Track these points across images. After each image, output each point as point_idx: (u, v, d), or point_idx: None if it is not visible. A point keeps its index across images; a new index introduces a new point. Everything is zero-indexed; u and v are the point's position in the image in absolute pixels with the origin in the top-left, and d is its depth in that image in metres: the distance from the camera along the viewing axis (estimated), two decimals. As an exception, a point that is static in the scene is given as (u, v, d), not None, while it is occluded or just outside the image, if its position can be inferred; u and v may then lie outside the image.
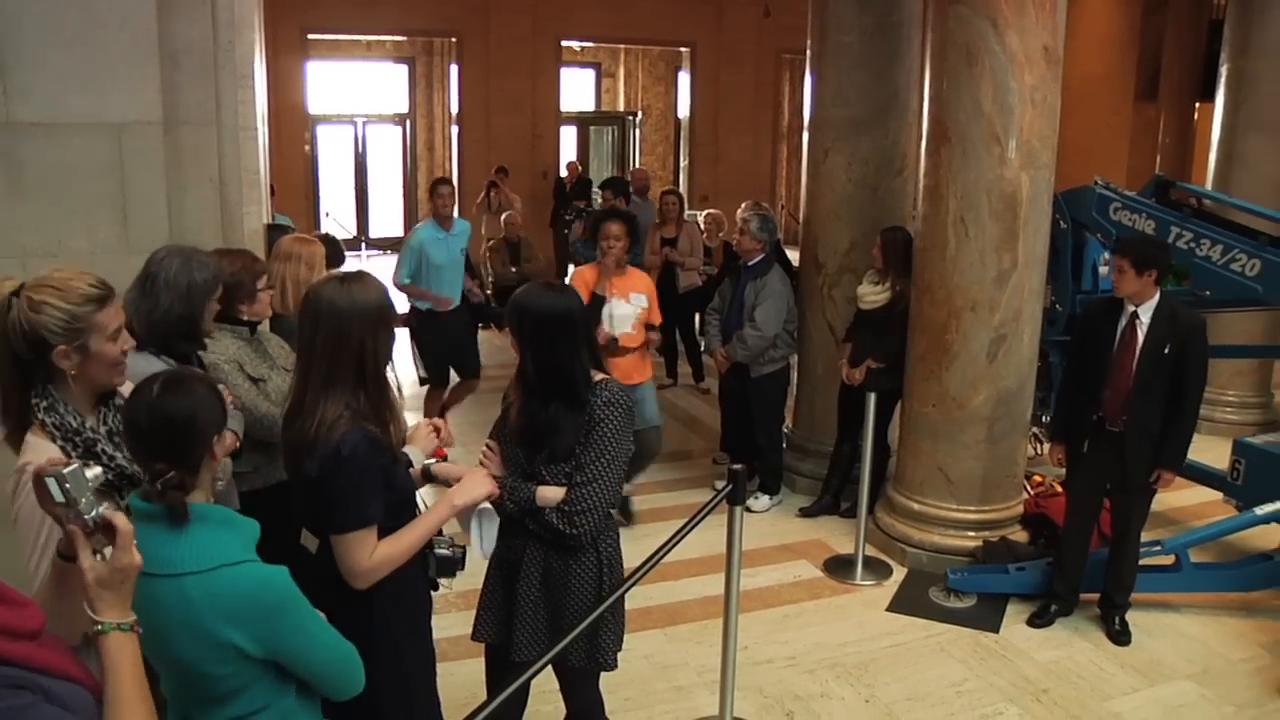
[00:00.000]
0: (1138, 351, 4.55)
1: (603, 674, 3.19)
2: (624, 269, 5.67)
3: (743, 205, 6.37)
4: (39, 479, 1.62)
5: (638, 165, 18.89)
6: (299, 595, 2.00)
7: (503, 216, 11.48)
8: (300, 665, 2.02)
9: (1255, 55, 7.74)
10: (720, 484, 3.70)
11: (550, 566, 2.99)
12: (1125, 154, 12.61)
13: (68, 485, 1.59)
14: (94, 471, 1.63)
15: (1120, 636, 4.75)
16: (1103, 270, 5.94)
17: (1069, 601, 4.93)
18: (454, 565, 2.72)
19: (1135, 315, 4.57)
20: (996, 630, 4.86)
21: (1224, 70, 8.04)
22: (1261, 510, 4.90)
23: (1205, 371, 4.65)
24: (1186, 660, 4.62)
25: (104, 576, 1.59)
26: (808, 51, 6.63)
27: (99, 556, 1.59)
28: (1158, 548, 4.99)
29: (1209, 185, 7.95)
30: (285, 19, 13.61)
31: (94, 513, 1.60)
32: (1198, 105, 13.21)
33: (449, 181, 7.72)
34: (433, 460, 2.93)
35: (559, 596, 2.99)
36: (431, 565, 2.70)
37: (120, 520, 1.61)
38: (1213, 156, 8.14)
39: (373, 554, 2.43)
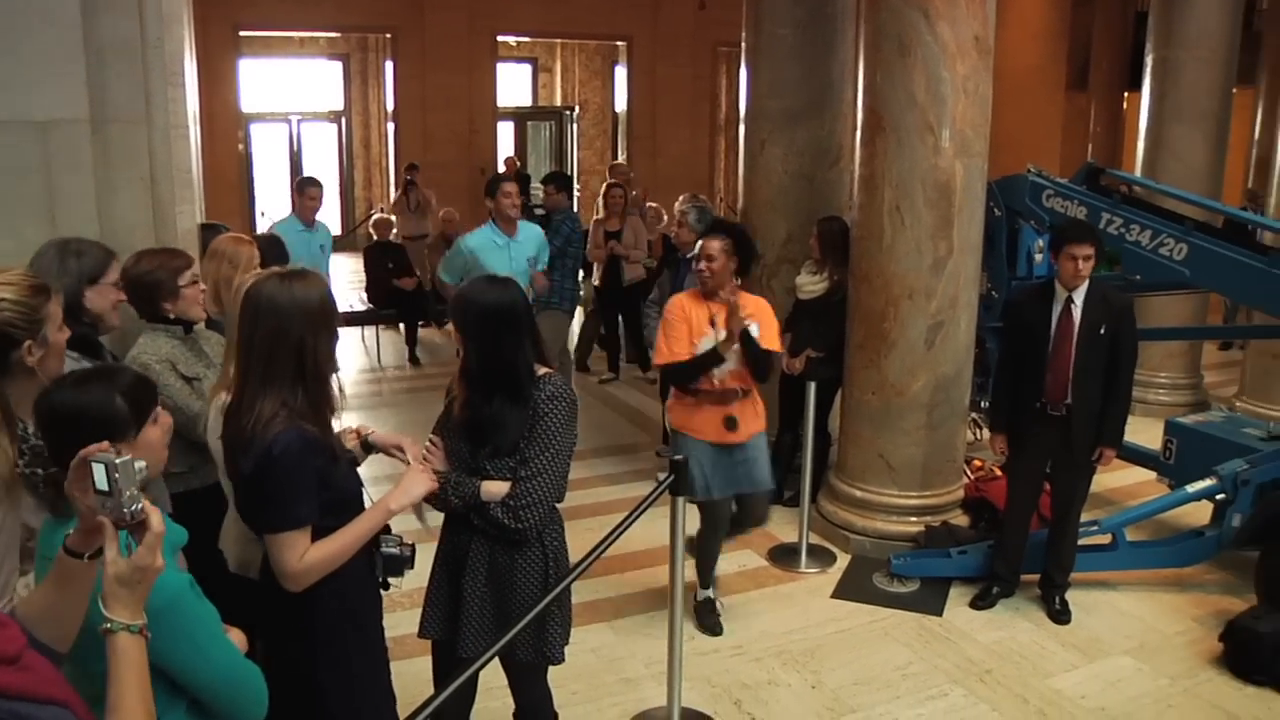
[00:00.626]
0: (1075, 335, 4.65)
1: (550, 668, 3.18)
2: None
3: (680, 198, 6.40)
4: (83, 462, 1.58)
5: (577, 159, 18.88)
6: (196, 605, 1.94)
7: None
8: (186, 678, 1.94)
9: (1178, 46, 7.91)
10: (663, 476, 3.70)
11: (496, 561, 2.97)
12: (1058, 143, 12.85)
13: (116, 475, 1.55)
14: (141, 464, 1.61)
15: (1060, 616, 4.84)
16: (1037, 258, 6.03)
17: (1010, 583, 5.01)
18: (401, 564, 2.67)
19: (1070, 300, 4.67)
20: (940, 613, 4.92)
21: (1149, 61, 8.20)
22: (1193, 488, 5.01)
23: (1136, 350, 4.78)
24: (1124, 636, 4.73)
25: (124, 574, 1.56)
26: (743, 44, 6.66)
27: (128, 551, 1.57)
28: (1095, 528, 5.10)
29: (1138, 172, 8.11)
30: (216, 16, 13.39)
31: (135, 507, 1.57)
32: (1127, 95, 13.51)
33: (512, 178, 6.55)
34: (370, 430, 2.90)
35: (505, 591, 2.98)
36: (379, 565, 2.66)
37: (155, 519, 1.59)
38: (1141, 145, 8.31)
39: (304, 556, 2.39)
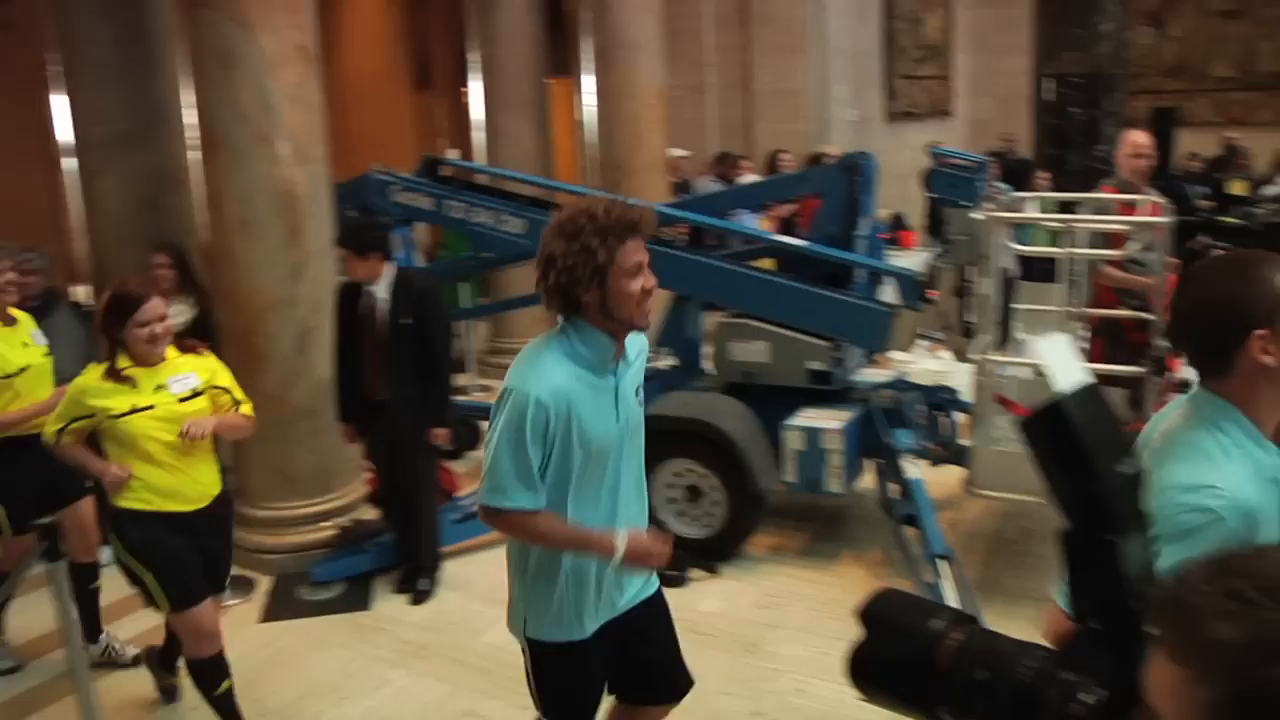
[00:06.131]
0: (381, 326, 4.82)
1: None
2: None
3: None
4: None
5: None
6: None
7: None
8: None
9: (497, 43, 8.67)
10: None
11: None
12: (413, 140, 13.42)
13: None
14: None
15: (420, 598, 5.05)
16: (399, 253, 6.27)
17: (425, 561, 5.18)
18: None
19: (373, 294, 4.84)
20: (367, 607, 5.01)
21: (476, 58, 8.92)
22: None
23: (447, 330, 5.11)
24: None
25: None
26: (60, 67, 6.17)
27: None
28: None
29: (483, 160, 8.81)
30: None
31: None
32: (467, 90, 14.45)
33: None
34: None
35: None
36: None
37: None
38: (480, 135, 9.02)
39: None
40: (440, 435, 5.01)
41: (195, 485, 3.64)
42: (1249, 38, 15.13)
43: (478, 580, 5.20)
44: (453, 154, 9.89)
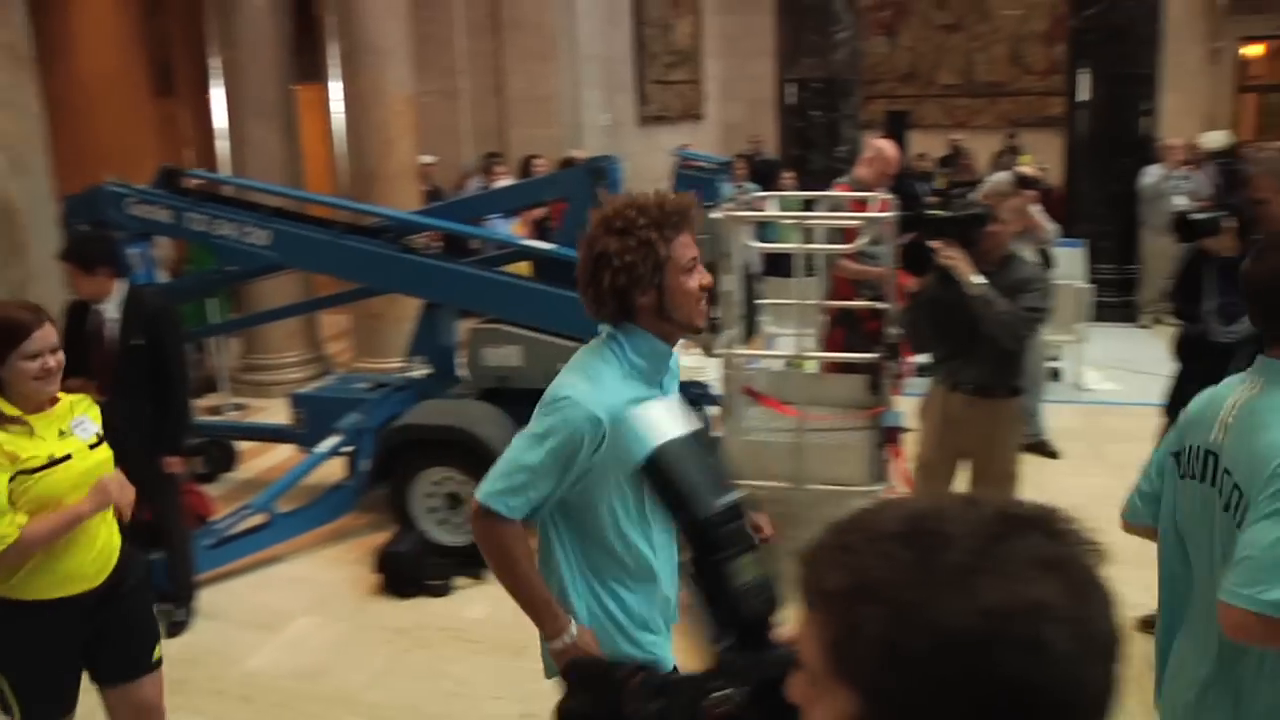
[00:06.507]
0: (111, 347, 4.56)
1: None
2: None
3: None
4: None
5: None
6: None
7: None
8: None
9: (239, 47, 8.36)
10: None
11: None
12: (155, 149, 12.73)
13: None
14: None
15: (178, 629, 4.82)
16: (139, 269, 5.96)
17: (179, 590, 4.94)
18: None
19: (101, 313, 4.57)
20: (116, 644, 4.76)
21: (217, 63, 8.56)
22: (321, 448, 5.46)
23: (181, 351, 4.85)
24: (300, 599, 5.06)
25: None
26: None
27: None
28: (249, 510, 5.30)
29: (229, 171, 8.46)
30: None
31: None
32: (211, 96, 13.84)
33: None
34: None
35: None
36: None
37: None
38: (225, 143, 8.67)
39: None
40: (174, 464, 4.72)
41: (98, 557, 2.95)
42: (967, 50, 16.44)
43: (235, 607, 5.04)
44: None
